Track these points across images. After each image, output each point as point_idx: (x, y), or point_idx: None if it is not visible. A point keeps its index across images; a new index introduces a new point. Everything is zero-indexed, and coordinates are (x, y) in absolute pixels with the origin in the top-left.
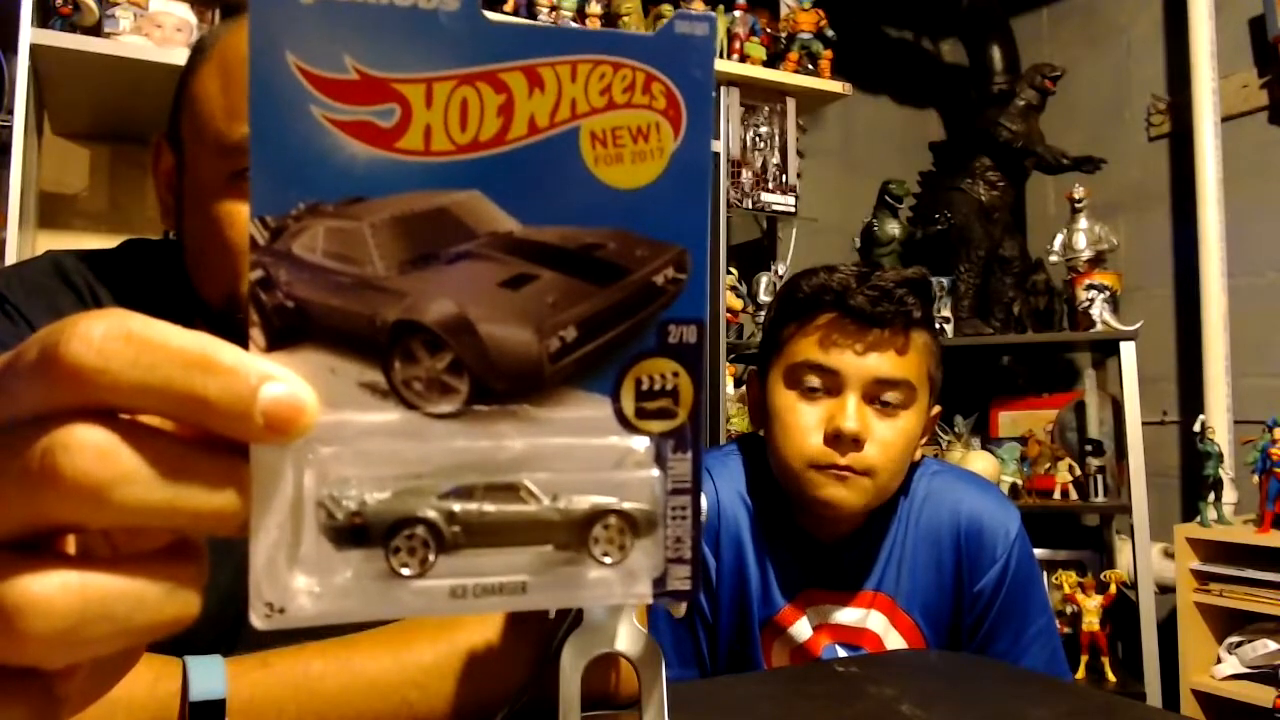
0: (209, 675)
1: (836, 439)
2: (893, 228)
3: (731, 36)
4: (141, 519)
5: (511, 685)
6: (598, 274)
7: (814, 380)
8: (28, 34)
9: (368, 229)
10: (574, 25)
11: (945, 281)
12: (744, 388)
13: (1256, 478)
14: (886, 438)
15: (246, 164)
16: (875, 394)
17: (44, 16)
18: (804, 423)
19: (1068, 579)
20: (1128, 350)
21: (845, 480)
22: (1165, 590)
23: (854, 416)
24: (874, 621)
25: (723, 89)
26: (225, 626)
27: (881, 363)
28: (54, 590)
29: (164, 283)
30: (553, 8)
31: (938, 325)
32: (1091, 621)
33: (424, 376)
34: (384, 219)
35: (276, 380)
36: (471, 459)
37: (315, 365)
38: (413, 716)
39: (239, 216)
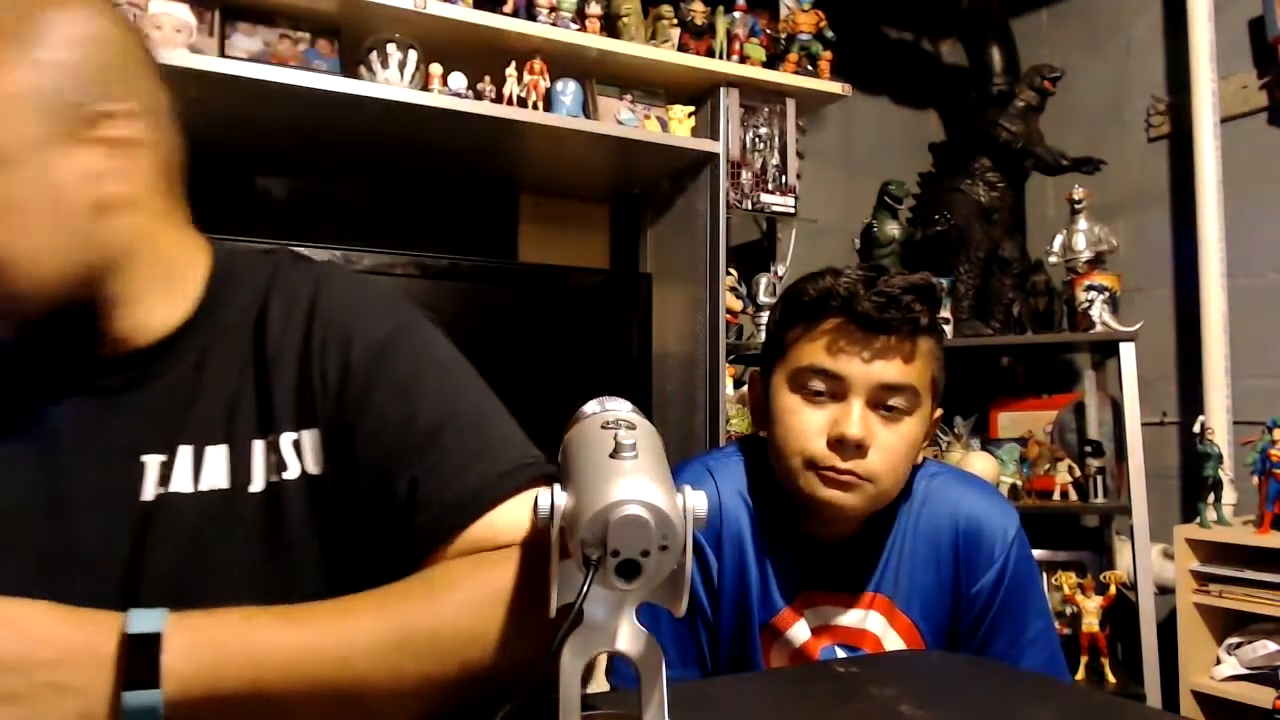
0: (149, 616)
1: (840, 444)
2: (892, 228)
3: (731, 37)
4: None
5: (502, 680)
6: None
7: (819, 384)
8: None
9: None
10: (573, 24)
11: (945, 282)
12: (744, 388)
13: (1256, 479)
14: (889, 443)
15: None
16: (880, 400)
17: None
18: (807, 426)
19: (1067, 580)
20: (1127, 351)
21: (846, 484)
22: (1165, 591)
23: (858, 423)
24: (873, 623)
25: (722, 90)
26: None
27: (888, 369)
28: None
29: None
30: (552, 9)
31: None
32: (1091, 622)
33: None
34: None
35: None
36: None
37: None
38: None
39: None
